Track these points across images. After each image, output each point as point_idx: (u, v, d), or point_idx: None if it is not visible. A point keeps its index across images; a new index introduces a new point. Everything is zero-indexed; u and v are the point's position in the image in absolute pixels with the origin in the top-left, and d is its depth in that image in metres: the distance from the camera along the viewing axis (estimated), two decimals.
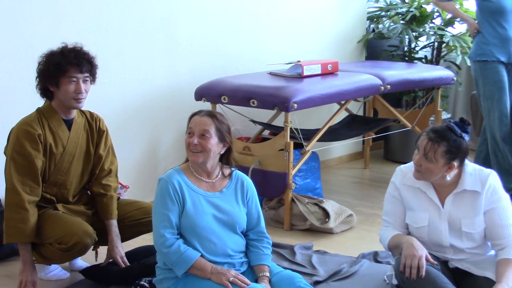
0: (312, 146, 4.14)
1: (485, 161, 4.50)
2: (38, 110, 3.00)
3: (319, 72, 4.37)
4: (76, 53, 2.92)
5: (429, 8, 5.60)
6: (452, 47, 5.43)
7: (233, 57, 4.71)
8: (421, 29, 5.52)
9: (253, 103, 3.92)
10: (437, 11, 5.58)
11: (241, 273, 2.62)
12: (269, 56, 4.82)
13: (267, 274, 2.68)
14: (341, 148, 5.58)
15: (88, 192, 3.20)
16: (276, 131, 4.31)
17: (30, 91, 3.17)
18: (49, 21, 3.71)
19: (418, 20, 5.55)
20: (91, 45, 3.15)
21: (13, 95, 3.61)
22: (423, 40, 5.79)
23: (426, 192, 2.78)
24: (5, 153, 2.99)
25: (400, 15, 5.61)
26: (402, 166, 2.90)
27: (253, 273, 2.71)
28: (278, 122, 4.43)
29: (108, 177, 3.16)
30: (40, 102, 3.06)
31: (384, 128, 5.19)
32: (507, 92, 4.41)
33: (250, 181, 2.83)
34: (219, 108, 4.07)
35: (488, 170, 2.77)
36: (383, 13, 5.70)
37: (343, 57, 5.38)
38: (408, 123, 4.87)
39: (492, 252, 2.79)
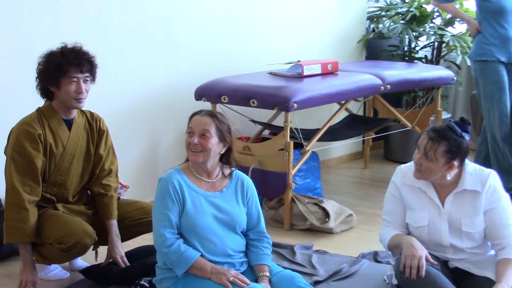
0: (312, 146, 4.14)
1: (485, 161, 4.50)
2: (38, 110, 3.00)
3: (319, 72, 4.37)
4: (76, 53, 2.92)
5: (429, 8, 5.60)
6: (452, 47, 5.43)
7: (233, 57, 4.71)
8: (421, 29, 5.52)
9: (253, 103, 3.92)
10: (437, 11, 5.58)
11: (241, 273, 2.62)
12: (269, 56, 4.82)
13: (267, 274, 2.68)
14: (341, 148, 5.58)
15: (88, 192, 3.20)
16: (276, 131, 4.31)
17: (30, 91, 3.17)
18: (49, 21, 3.71)
19: (418, 20, 5.55)
20: (91, 45, 3.15)
21: (13, 95, 3.61)
22: (423, 40, 5.79)
23: (426, 191, 2.78)
24: (5, 153, 2.99)
25: (400, 15, 5.61)
26: (403, 165, 2.90)
27: (253, 273, 2.71)
28: (278, 122, 4.43)
29: (108, 177, 3.16)
30: (40, 102, 3.06)
31: (384, 128, 5.19)
32: (507, 92, 4.41)
33: (250, 181, 2.83)
34: (219, 108, 4.07)
35: (488, 170, 2.77)
36: (383, 13, 5.70)
37: (343, 57, 5.38)
38: (408, 123, 4.87)
39: (492, 252, 2.79)
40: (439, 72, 4.97)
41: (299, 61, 4.41)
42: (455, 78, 5.06)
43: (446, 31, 5.55)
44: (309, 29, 5.21)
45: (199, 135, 2.65)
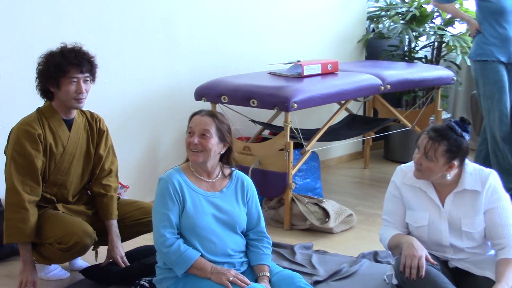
0: (312, 146, 4.14)
1: (485, 161, 4.50)
2: (38, 110, 3.00)
3: (319, 72, 4.37)
4: (76, 53, 2.92)
5: (429, 8, 5.60)
6: (452, 47, 5.43)
7: (233, 57, 4.71)
8: (421, 29, 5.52)
9: (253, 103, 3.92)
10: (437, 11, 5.58)
11: (241, 273, 2.62)
12: (269, 56, 4.82)
13: (267, 273, 2.68)
14: (341, 148, 5.58)
15: (88, 192, 3.20)
16: (276, 131, 4.31)
17: (30, 91, 3.17)
18: (49, 21, 3.71)
19: (418, 20, 5.55)
20: (91, 45, 3.15)
21: (13, 95, 3.61)
22: (423, 40, 5.79)
23: (426, 191, 2.78)
24: (5, 153, 2.99)
25: (400, 15, 5.61)
26: (403, 165, 2.90)
27: (253, 272, 2.71)
28: (278, 122, 4.43)
29: (109, 177, 3.16)
30: (40, 102, 3.06)
31: (384, 128, 5.19)
32: (507, 92, 4.41)
33: (250, 181, 2.83)
34: (219, 108, 4.07)
35: (489, 170, 2.77)
36: (383, 13, 5.70)
37: (343, 57, 5.38)
38: (408, 123, 4.87)
39: (492, 252, 2.79)
40: (439, 72, 4.97)
41: (299, 61, 4.41)
42: (455, 78, 5.06)
43: (446, 31, 5.55)
44: (309, 29, 5.21)
45: (199, 135, 2.65)
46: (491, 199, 2.72)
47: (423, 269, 2.60)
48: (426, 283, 2.59)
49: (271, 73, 4.43)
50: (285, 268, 2.87)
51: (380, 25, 5.74)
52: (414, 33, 5.49)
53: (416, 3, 5.59)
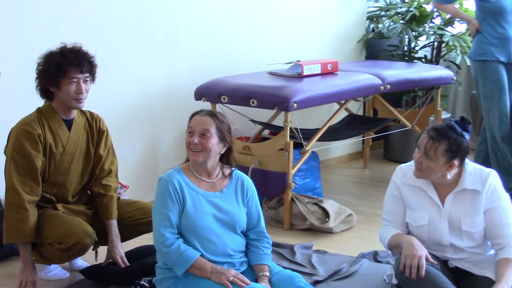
0: (312, 145, 4.14)
1: (485, 161, 4.50)
2: (38, 110, 3.00)
3: (319, 71, 4.37)
4: (76, 53, 2.92)
5: (428, 7, 5.60)
6: (452, 47, 5.43)
7: (233, 57, 4.71)
8: (420, 29, 5.52)
9: (253, 102, 3.93)
10: (437, 11, 5.58)
11: (241, 273, 2.62)
12: (269, 56, 4.82)
13: (267, 273, 2.68)
14: (341, 147, 5.58)
15: (88, 192, 3.20)
16: (276, 130, 4.31)
17: (30, 91, 3.17)
18: (49, 21, 3.71)
19: (417, 19, 5.55)
20: (91, 45, 3.15)
21: (13, 95, 3.61)
22: (422, 40, 5.79)
23: (427, 191, 2.78)
24: (5, 153, 2.99)
25: (399, 15, 5.61)
26: (403, 165, 2.90)
27: (253, 272, 2.71)
28: (278, 121, 4.43)
29: (108, 177, 3.16)
30: (40, 102, 3.06)
31: (384, 127, 5.19)
32: (506, 92, 4.41)
33: (250, 181, 2.83)
34: (219, 107, 4.07)
35: (489, 170, 2.77)
36: (383, 13, 5.71)
37: (343, 57, 5.38)
38: (408, 122, 4.88)
39: (492, 252, 2.79)
40: (439, 72, 4.97)
41: (299, 61, 4.41)
42: (454, 78, 5.06)
43: (446, 31, 5.55)
44: (309, 29, 5.21)
45: (199, 134, 2.65)
46: (491, 198, 2.72)
47: (423, 269, 2.60)
48: (426, 282, 2.59)
49: (271, 73, 4.43)
50: (285, 268, 2.87)
51: (380, 25, 5.74)
52: (413, 33, 5.49)
53: (415, 3, 5.59)
